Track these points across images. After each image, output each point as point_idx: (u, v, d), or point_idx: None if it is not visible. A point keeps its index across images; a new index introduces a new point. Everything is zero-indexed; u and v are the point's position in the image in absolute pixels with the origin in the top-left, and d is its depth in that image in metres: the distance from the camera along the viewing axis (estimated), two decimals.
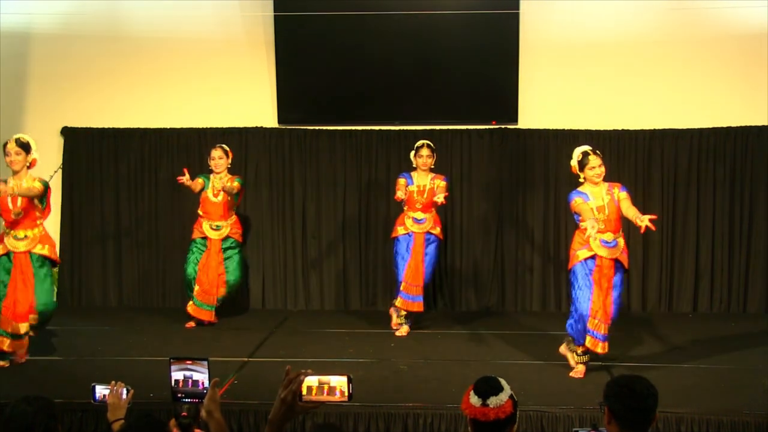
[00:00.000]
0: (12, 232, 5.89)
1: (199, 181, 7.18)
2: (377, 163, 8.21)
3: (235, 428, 4.89)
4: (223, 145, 7.35)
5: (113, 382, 3.37)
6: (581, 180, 5.73)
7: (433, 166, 6.99)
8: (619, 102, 8.02)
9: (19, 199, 5.85)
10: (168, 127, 8.23)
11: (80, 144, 8.29)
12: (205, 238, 7.25)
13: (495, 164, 8.09)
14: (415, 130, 8.09)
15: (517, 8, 7.79)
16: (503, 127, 8.07)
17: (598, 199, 5.63)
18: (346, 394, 2.33)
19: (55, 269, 6.26)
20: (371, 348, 6.50)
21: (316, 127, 8.21)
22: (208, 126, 8.21)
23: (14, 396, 3.15)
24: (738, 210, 7.87)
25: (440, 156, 7.56)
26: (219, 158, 7.20)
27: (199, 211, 7.29)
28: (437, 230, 7.00)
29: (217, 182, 7.21)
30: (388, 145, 8.18)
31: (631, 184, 7.98)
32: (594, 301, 5.54)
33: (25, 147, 5.90)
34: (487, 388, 2.66)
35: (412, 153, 7.01)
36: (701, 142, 7.83)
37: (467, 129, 8.08)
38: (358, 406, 4.88)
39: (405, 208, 7.00)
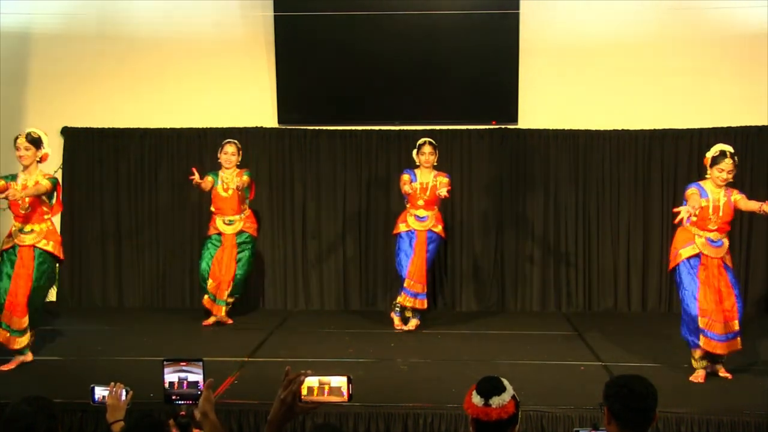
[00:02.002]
0: (20, 224, 5.89)
1: (209, 179, 7.13)
2: (377, 163, 8.21)
3: (235, 428, 4.89)
4: (236, 141, 7.29)
5: (112, 383, 3.35)
6: (707, 176, 5.62)
7: (436, 164, 6.99)
8: (619, 102, 8.03)
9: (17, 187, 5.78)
10: (168, 127, 8.23)
11: (80, 144, 8.30)
12: (219, 234, 7.21)
13: (495, 164, 8.09)
14: (415, 130, 8.09)
15: (517, 8, 7.80)
16: (503, 127, 8.08)
17: (715, 200, 5.55)
18: (346, 394, 2.33)
19: (57, 266, 6.20)
20: (371, 348, 6.49)
21: (316, 127, 8.21)
22: (208, 126, 8.22)
23: (14, 396, 3.14)
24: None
25: (440, 156, 7.56)
26: (232, 154, 7.16)
27: (212, 208, 7.26)
28: (439, 228, 7.01)
29: (227, 177, 7.17)
30: (388, 145, 8.19)
31: (631, 184, 8.03)
32: (700, 299, 5.45)
33: (36, 142, 5.87)
34: (490, 388, 2.66)
35: (414, 151, 7.01)
36: (701, 142, 7.82)
37: (467, 129, 8.09)
38: (358, 406, 4.87)
39: (407, 206, 7.01)
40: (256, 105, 8.21)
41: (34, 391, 3.20)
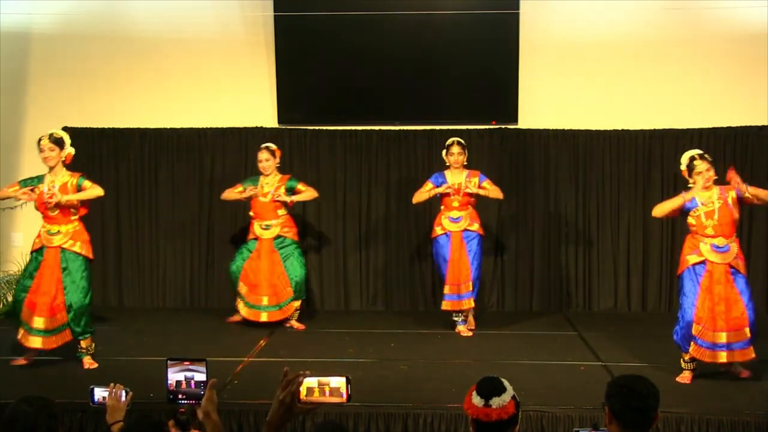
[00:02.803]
0: (47, 226, 5.90)
1: (239, 189, 7.13)
2: (377, 163, 8.21)
3: (235, 428, 4.89)
4: (269, 145, 7.17)
5: (111, 384, 3.35)
6: (690, 185, 5.58)
7: (465, 163, 6.95)
8: (619, 102, 8.03)
9: (56, 190, 5.84)
10: (168, 127, 8.22)
11: (80, 144, 8.24)
12: (256, 239, 7.14)
13: (495, 164, 8.08)
14: (415, 130, 8.10)
15: (517, 8, 7.80)
16: (503, 127, 8.07)
17: (708, 205, 5.49)
18: (345, 395, 2.33)
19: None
20: (371, 348, 6.49)
21: (316, 127, 8.21)
22: (208, 126, 8.22)
23: (14, 396, 3.14)
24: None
25: (440, 156, 7.57)
26: (266, 161, 7.08)
27: (250, 213, 7.21)
28: (475, 226, 6.93)
29: (268, 182, 7.10)
30: (388, 145, 8.19)
31: (631, 184, 8.03)
32: (698, 307, 5.41)
33: (59, 143, 5.90)
34: (490, 388, 2.66)
35: (444, 151, 6.97)
36: (701, 142, 7.82)
37: (467, 129, 8.08)
38: (358, 406, 4.88)
39: (441, 208, 6.96)
40: (256, 105, 8.21)
41: (34, 391, 3.20)
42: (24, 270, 6.09)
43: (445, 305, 6.93)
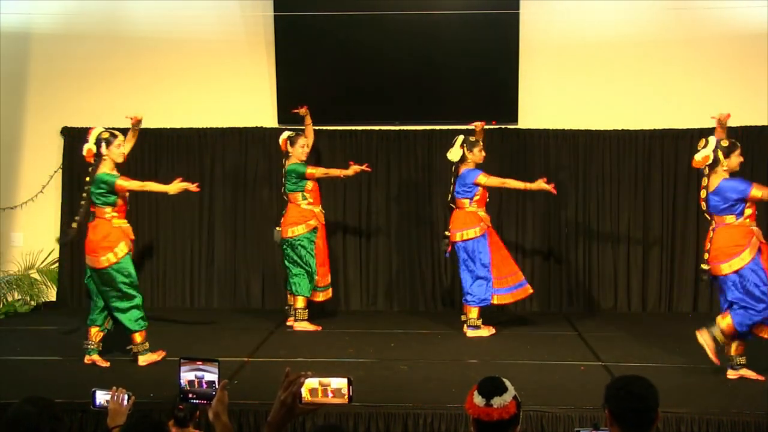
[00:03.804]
0: (128, 225, 6.16)
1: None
2: (377, 163, 8.20)
3: (235, 428, 4.88)
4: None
5: (114, 388, 3.33)
6: (724, 168, 5.50)
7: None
8: (619, 102, 8.03)
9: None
10: (168, 127, 8.22)
11: (80, 144, 8.25)
12: (315, 228, 7.12)
13: (495, 164, 8.05)
14: (415, 130, 8.11)
15: (517, 8, 7.80)
16: (503, 127, 8.07)
17: None
18: (347, 396, 2.33)
19: None
20: (371, 348, 6.49)
21: (316, 127, 8.16)
22: (208, 126, 8.22)
23: (14, 396, 3.14)
24: None
25: (440, 156, 7.56)
26: (307, 146, 7.15)
27: (309, 200, 7.10)
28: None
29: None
30: (388, 145, 8.19)
31: (631, 184, 8.04)
32: None
33: None
34: (492, 388, 2.65)
35: (467, 148, 6.79)
36: None
37: (467, 129, 8.07)
38: (358, 406, 4.87)
39: (474, 207, 6.80)
40: (256, 105, 8.21)
41: (34, 391, 3.19)
42: (134, 277, 6.15)
43: (498, 299, 6.84)
